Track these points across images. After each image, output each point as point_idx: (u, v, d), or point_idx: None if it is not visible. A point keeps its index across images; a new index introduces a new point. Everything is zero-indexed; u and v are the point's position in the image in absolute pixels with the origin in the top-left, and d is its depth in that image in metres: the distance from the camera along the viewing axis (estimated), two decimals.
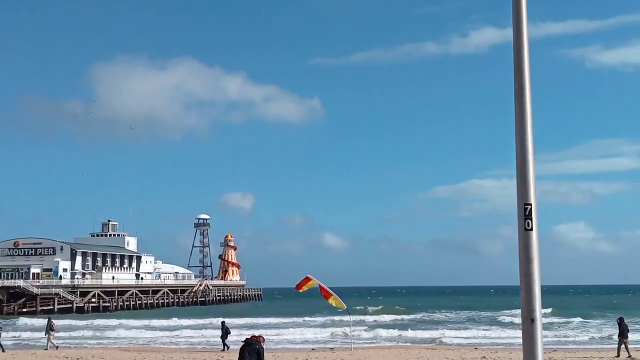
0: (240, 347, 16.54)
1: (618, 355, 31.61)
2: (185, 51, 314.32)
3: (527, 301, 4.29)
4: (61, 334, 49.55)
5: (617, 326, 33.44)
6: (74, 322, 68.07)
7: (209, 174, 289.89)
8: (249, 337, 16.82)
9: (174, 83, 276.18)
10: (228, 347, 37.92)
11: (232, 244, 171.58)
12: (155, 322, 68.20)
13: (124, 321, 69.50)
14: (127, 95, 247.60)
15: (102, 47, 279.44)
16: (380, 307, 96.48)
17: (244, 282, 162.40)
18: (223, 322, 40.58)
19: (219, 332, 40.30)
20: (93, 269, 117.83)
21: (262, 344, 16.43)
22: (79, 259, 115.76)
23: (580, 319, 69.05)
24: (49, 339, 39.93)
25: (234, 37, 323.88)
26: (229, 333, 39.02)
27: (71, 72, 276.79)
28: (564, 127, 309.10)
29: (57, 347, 39.40)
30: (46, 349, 38.71)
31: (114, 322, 69.52)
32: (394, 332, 54.58)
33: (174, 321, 69.05)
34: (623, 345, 32.15)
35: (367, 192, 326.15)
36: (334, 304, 37.56)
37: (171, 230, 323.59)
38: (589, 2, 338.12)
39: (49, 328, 40.16)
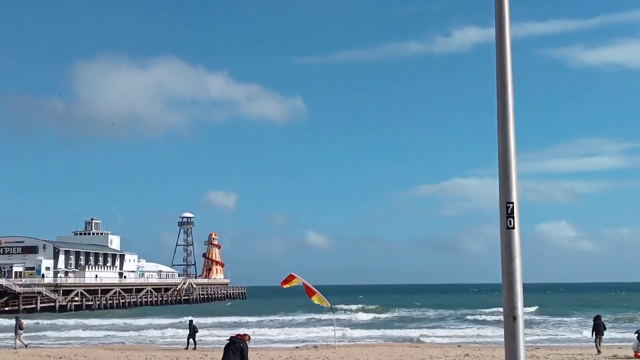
0: (224, 345, 16.54)
1: (599, 352, 31.97)
2: (167, 50, 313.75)
3: (509, 299, 4.32)
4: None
5: (593, 324, 33.94)
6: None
7: (191, 172, 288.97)
8: (233, 335, 16.81)
9: (155, 81, 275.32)
10: (195, 345, 38.55)
11: (216, 242, 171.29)
12: (122, 321, 68.19)
13: (86, 321, 69.54)
14: (108, 94, 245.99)
15: (83, 45, 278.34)
16: (363, 305, 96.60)
17: (227, 281, 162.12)
18: (191, 321, 41.29)
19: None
20: (76, 268, 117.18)
21: (247, 342, 16.45)
22: (61, 257, 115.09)
23: (562, 317, 69.48)
24: (17, 338, 39.65)
25: (217, 36, 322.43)
26: (197, 331, 39.67)
27: (53, 70, 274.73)
28: (546, 127, 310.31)
29: (26, 345, 39.26)
30: (15, 349, 38.40)
31: (73, 321, 69.47)
32: (377, 330, 54.70)
33: (144, 320, 69.12)
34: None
35: (351, 191, 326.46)
36: (317, 302, 37.59)
37: (154, 228, 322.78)
38: (571, 2, 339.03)
39: (18, 327, 39.91)
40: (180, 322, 66.38)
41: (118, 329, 60.31)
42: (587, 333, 47.88)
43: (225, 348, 16.26)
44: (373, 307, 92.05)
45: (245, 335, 16.94)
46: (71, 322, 69.72)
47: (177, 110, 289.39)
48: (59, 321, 70.65)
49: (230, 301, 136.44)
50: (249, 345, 16.48)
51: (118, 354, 35.13)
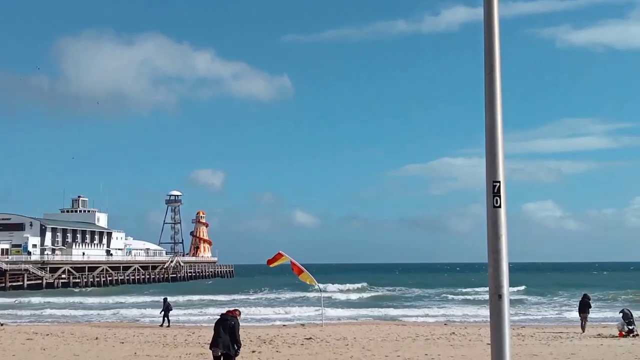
0: (215, 322, 16.54)
1: (583, 331, 32.33)
2: (152, 26, 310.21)
3: (494, 277, 4.34)
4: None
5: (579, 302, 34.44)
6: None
7: (178, 150, 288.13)
8: (224, 312, 16.82)
9: (141, 59, 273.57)
10: (169, 324, 38.99)
11: (203, 220, 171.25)
12: (108, 299, 68.17)
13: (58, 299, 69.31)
14: (93, 71, 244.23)
15: (67, 21, 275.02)
16: (350, 284, 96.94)
17: (215, 259, 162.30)
18: (165, 299, 41.62)
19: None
20: (63, 245, 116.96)
21: (237, 318, 16.46)
22: (48, 234, 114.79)
23: (548, 296, 70.03)
24: None
25: (203, 13, 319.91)
26: (171, 309, 40.14)
27: (36, 47, 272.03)
28: (532, 107, 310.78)
29: (1, 324, 39.47)
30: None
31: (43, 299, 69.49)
32: (364, 309, 54.99)
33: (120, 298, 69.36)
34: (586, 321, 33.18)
35: (338, 170, 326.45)
36: (305, 281, 37.69)
37: (141, 206, 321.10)
38: None
39: None
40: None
41: (101, 307, 60.40)
42: (573, 312, 48.39)
43: (215, 325, 16.27)
44: (359, 286, 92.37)
45: (235, 310, 16.94)
46: (50, 300, 69.71)
47: (163, 88, 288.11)
48: (37, 299, 70.66)
49: (211, 280, 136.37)
50: (240, 321, 16.50)
51: (105, 331, 35.17)
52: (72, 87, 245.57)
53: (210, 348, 16.15)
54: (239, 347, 15.98)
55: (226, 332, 15.85)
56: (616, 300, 61.86)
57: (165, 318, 39.41)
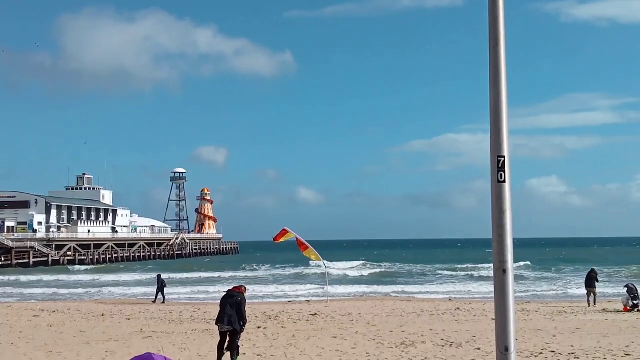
0: (221, 299, 16.59)
1: (589, 305, 32.49)
2: (153, 3, 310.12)
3: (499, 252, 4.35)
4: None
5: (586, 276, 34.63)
6: None
7: (181, 127, 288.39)
8: (230, 289, 16.87)
9: (142, 35, 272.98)
10: (164, 300, 39.17)
11: (208, 197, 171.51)
12: (111, 277, 68.55)
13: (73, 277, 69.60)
14: (94, 48, 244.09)
15: None
16: (355, 260, 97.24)
17: (220, 236, 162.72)
18: (159, 276, 41.86)
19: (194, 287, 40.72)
20: (68, 223, 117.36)
21: (244, 294, 16.50)
22: (54, 212, 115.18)
23: (552, 272, 70.18)
24: None
25: None
26: (165, 286, 40.28)
27: (37, 24, 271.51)
28: (537, 82, 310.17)
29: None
30: None
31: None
32: (369, 285, 55.16)
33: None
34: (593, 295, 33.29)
35: (341, 147, 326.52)
36: (310, 257, 37.79)
37: (146, 184, 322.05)
38: None
39: None
40: (170, 277, 66.96)
41: (105, 285, 60.79)
42: (576, 288, 48.50)
43: (221, 301, 16.30)
44: (364, 262, 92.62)
45: (241, 287, 16.96)
46: (52, 277, 70.13)
47: (165, 65, 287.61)
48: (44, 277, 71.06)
49: (208, 257, 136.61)
50: (246, 297, 16.54)
51: (111, 307, 35.37)
52: (74, 63, 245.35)
53: (217, 324, 16.21)
54: (244, 324, 16.02)
55: (233, 308, 15.88)
56: (620, 275, 61.96)
57: (159, 294, 39.69)
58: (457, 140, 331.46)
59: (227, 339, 15.96)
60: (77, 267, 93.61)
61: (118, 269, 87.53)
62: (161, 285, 39.86)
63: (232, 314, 15.83)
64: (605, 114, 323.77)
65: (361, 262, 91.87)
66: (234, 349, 15.81)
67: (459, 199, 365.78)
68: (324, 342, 19.49)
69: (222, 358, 15.83)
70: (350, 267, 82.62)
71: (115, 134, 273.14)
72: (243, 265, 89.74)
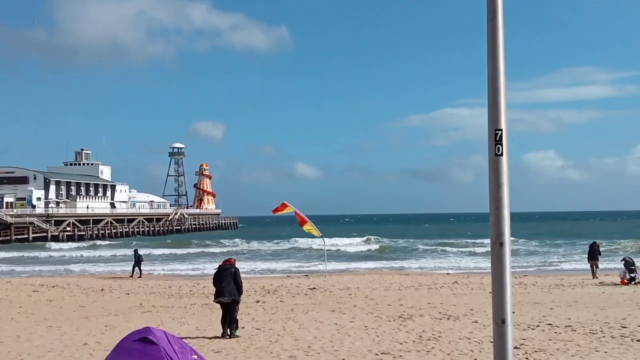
0: (214, 273, 16.69)
1: (594, 277, 32.94)
2: None
3: (496, 225, 4.34)
4: None
5: (589, 249, 34.93)
6: None
7: (178, 103, 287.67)
8: (221, 264, 16.97)
9: (137, 10, 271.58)
10: (140, 274, 39.59)
11: (207, 172, 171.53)
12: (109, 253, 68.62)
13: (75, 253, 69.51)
14: (89, 22, 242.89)
15: None
16: (353, 235, 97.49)
17: (219, 211, 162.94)
18: (136, 250, 42.35)
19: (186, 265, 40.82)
20: (67, 198, 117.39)
21: (235, 265, 16.66)
22: (52, 188, 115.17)
23: (549, 246, 70.40)
24: None
25: None
26: (142, 261, 40.70)
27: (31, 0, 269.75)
28: (535, 55, 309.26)
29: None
30: None
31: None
32: (367, 260, 55.37)
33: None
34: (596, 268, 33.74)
35: (339, 122, 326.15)
36: (309, 231, 37.85)
37: (144, 159, 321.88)
38: None
39: None
40: (172, 253, 67.21)
41: (103, 261, 60.96)
42: (573, 262, 48.72)
43: (216, 277, 16.41)
44: (362, 236, 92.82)
45: (231, 259, 17.15)
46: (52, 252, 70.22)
47: (160, 40, 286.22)
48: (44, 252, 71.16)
49: (222, 231, 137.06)
50: (243, 272, 16.70)
51: (110, 282, 35.51)
52: (69, 39, 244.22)
53: (216, 299, 16.30)
54: (240, 293, 16.23)
55: (229, 280, 16.04)
56: (618, 249, 62.17)
57: (136, 269, 39.87)
58: (455, 115, 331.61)
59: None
60: (53, 244, 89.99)
61: (99, 246, 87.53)
62: (138, 259, 40.12)
63: (230, 285, 16.02)
64: (604, 87, 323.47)
65: (360, 237, 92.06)
66: (233, 322, 15.93)
67: (457, 173, 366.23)
68: (322, 315, 19.60)
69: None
70: (350, 243, 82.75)
71: (112, 109, 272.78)
72: (240, 241, 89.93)
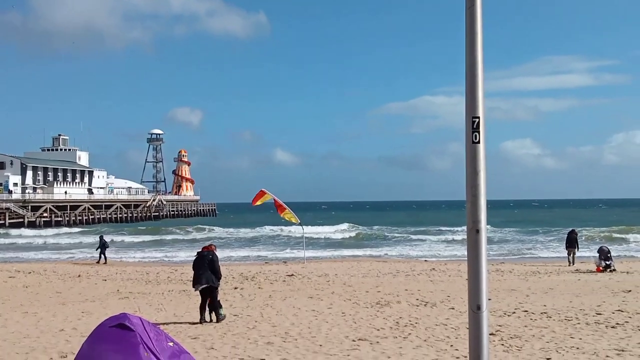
0: (193, 261, 16.69)
1: (570, 264, 33.32)
2: None
3: (472, 213, 4.36)
4: None
5: (566, 237, 35.30)
6: None
7: (155, 88, 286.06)
8: (199, 250, 16.96)
9: None
10: (105, 261, 39.66)
11: (185, 159, 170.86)
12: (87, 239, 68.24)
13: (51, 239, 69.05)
14: (65, 7, 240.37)
15: None
16: (332, 222, 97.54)
17: (197, 197, 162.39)
18: (101, 236, 42.45)
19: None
20: (44, 184, 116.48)
21: (214, 251, 16.66)
22: (29, 173, 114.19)
23: (526, 234, 70.86)
24: None
25: None
26: (107, 247, 40.81)
27: None
28: (512, 44, 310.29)
29: None
30: None
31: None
32: (345, 247, 55.47)
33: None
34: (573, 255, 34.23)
35: (318, 109, 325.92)
36: (287, 219, 37.86)
37: (122, 145, 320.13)
38: None
39: None
40: (150, 240, 66.90)
41: (81, 247, 60.60)
42: (550, 250, 49.11)
43: (195, 264, 16.41)
44: (341, 224, 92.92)
45: (211, 245, 17.14)
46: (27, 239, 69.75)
47: (137, 25, 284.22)
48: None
49: (201, 217, 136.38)
50: (219, 257, 16.70)
51: (87, 268, 35.35)
52: (45, 23, 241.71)
53: (194, 286, 16.30)
54: (218, 279, 16.25)
55: (207, 267, 16.07)
56: (593, 237, 62.67)
57: (102, 255, 39.79)
58: (433, 103, 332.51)
59: (208, 299, 16.10)
60: (29, 230, 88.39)
61: (74, 234, 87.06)
62: (103, 245, 40.02)
63: (207, 272, 16.03)
64: (582, 76, 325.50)
65: (339, 224, 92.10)
66: (217, 306, 15.99)
67: (434, 161, 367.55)
68: (300, 302, 19.64)
69: (206, 316, 15.99)
70: (328, 230, 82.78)
71: (90, 94, 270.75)
72: (219, 228, 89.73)
